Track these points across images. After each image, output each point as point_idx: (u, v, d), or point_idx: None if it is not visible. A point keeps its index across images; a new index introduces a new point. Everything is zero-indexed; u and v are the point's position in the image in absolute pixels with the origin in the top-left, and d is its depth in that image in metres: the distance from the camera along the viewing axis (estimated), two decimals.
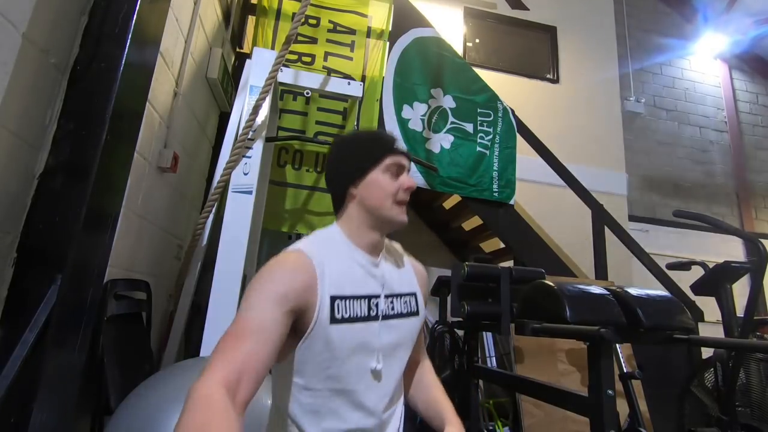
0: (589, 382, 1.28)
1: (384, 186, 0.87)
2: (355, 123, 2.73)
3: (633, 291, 1.28)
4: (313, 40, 2.75)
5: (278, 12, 2.77)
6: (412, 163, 2.79)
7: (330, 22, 2.83)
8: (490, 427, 2.68)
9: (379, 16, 2.94)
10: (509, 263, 3.23)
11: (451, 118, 2.87)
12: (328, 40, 2.80)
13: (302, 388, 0.79)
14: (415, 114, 2.81)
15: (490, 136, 2.91)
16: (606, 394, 1.23)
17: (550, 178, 3.10)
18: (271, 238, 2.66)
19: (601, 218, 2.93)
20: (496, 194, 2.81)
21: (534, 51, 4.45)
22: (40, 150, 1.05)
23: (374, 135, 1.00)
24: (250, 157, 1.78)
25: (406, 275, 0.97)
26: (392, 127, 2.74)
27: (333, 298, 0.79)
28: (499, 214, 2.83)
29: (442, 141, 2.82)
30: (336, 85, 2.24)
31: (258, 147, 1.81)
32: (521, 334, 1.30)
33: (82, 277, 1.05)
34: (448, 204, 3.29)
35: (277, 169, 2.57)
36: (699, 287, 2.20)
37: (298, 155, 2.64)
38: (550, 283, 1.26)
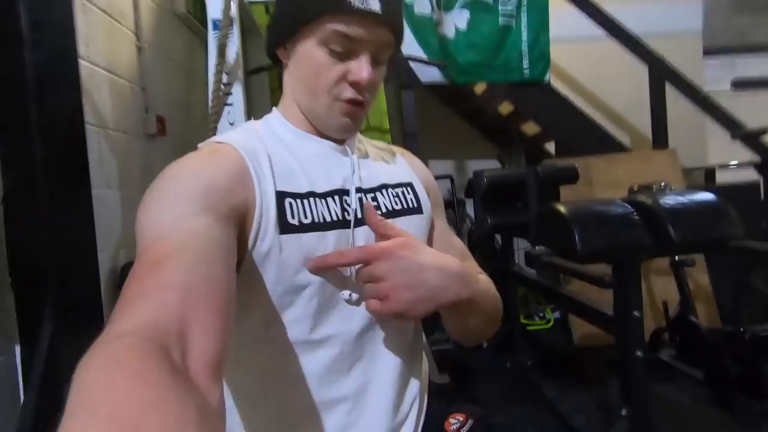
0: (614, 303, 1.18)
1: (315, 68, 0.56)
2: None
3: (666, 199, 1.08)
4: None
5: None
6: (423, 51, 2.43)
7: None
8: (540, 313, 2.74)
9: None
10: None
11: None
12: None
13: (254, 341, 0.54)
14: None
15: (515, 5, 2.41)
16: (632, 316, 1.13)
17: (599, 31, 2.59)
18: None
19: (657, 72, 2.46)
20: (526, 72, 2.43)
21: None
22: None
23: None
24: (231, 105, 1.65)
25: (393, 165, 0.69)
26: None
27: (281, 195, 0.53)
28: (533, 95, 2.48)
29: (456, 20, 2.41)
30: None
31: (237, 91, 1.67)
32: (532, 267, 1.20)
33: (75, 279, 1.11)
34: (479, 89, 2.94)
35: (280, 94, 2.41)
36: None
37: None
38: (561, 207, 1.09)
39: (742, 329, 1.35)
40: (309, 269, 0.53)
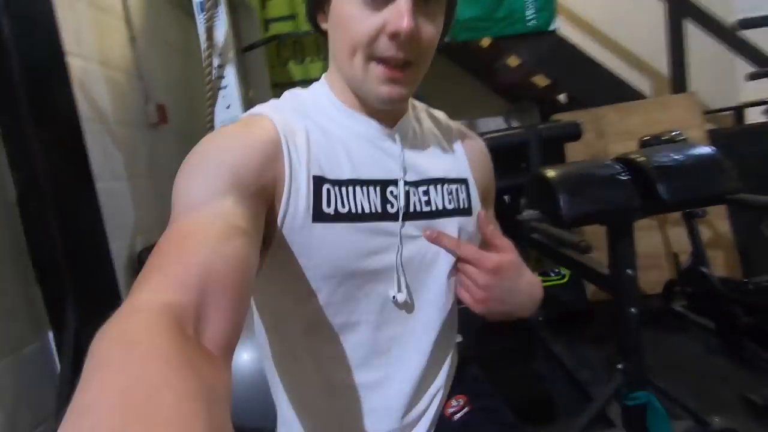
0: (609, 261, 1.18)
1: (346, 23, 0.50)
2: None
3: (657, 156, 1.05)
4: None
5: None
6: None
7: None
8: (555, 269, 2.73)
9: None
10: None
11: None
12: None
13: (278, 340, 0.57)
14: None
15: None
16: (625, 274, 1.13)
17: None
18: None
19: (675, 6, 2.28)
20: (531, 23, 2.31)
21: None
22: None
23: None
24: (225, 87, 1.67)
25: (451, 155, 0.64)
26: None
27: (319, 181, 0.51)
28: (540, 46, 2.37)
29: None
30: None
31: (230, 73, 1.68)
32: (521, 235, 1.20)
33: (90, 268, 1.20)
34: (485, 43, 2.82)
35: (280, 69, 2.40)
36: None
37: (298, 46, 2.40)
38: (548, 172, 1.08)
39: (746, 279, 1.33)
40: (425, 236, 0.56)
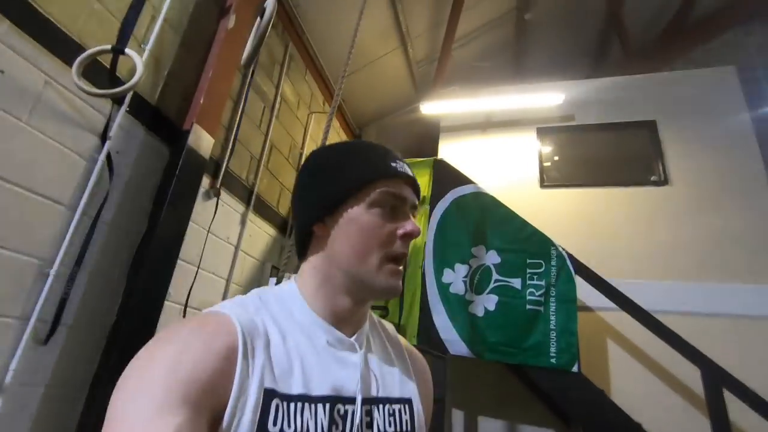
0: None
1: (368, 229, 0.59)
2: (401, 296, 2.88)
3: None
4: None
5: None
6: (452, 325, 2.63)
7: None
8: None
9: (422, 183, 3.18)
10: None
11: (495, 276, 2.77)
12: None
13: None
14: (457, 277, 2.82)
15: (543, 290, 2.65)
16: None
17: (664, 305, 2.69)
18: None
19: (713, 378, 2.23)
20: (553, 360, 2.47)
21: (631, 153, 3.93)
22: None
23: (361, 146, 0.66)
24: None
25: (398, 370, 0.66)
26: (433, 293, 2.79)
27: (269, 395, 0.50)
28: (565, 383, 2.45)
29: (485, 302, 2.71)
30: None
31: None
32: None
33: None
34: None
35: None
36: None
37: None
38: None
39: None
40: None
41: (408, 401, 0.63)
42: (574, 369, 2.43)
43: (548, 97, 3.90)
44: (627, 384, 3.01)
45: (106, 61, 1.81)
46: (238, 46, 2.24)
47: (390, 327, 0.73)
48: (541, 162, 4.06)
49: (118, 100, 1.85)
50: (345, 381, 0.56)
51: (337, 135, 4.62)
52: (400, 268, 0.61)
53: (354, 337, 0.61)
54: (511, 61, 5.50)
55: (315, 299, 0.61)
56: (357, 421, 0.54)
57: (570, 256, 2.71)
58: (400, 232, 0.60)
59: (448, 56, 4.49)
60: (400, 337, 0.73)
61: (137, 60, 1.77)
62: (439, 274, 2.84)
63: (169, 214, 1.94)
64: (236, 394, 0.48)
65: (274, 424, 0.49)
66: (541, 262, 2.73)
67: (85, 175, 1.72)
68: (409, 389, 0.64)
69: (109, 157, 1.80)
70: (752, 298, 3.03)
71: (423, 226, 2.98)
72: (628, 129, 3.92)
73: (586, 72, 5.16)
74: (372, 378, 0.60)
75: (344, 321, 0.61)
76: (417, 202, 0.64)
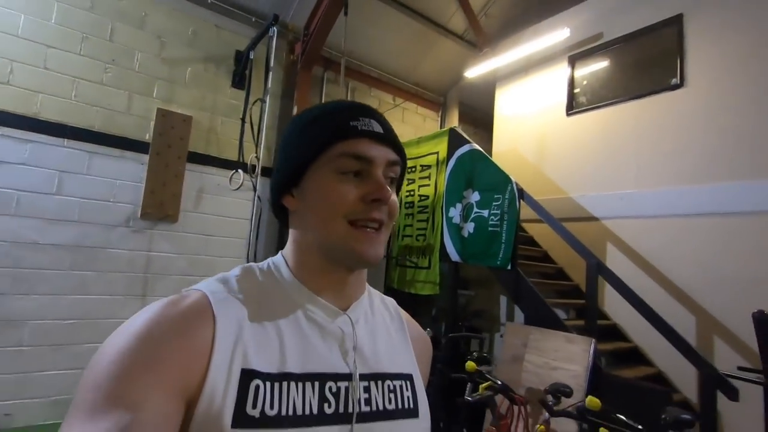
0: None
1: (330, 196, 0.55)
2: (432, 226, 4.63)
3: None
4: (411, 181, 4.93)
5: None
6: (452, 243, 4.54)
7: (421, 167, 4.89)
8: None
9: (442, 149, 4.65)
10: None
11: (474, 209, 4.11)
12: (420, 177, 4.88)
13: None
14: (456, 212, 4.31)
15: (499, 216, 3.85)
16: None
17: (666, 210, 3.60)
18: None
19: (592, 269, 3.14)
20: (498, 262, 3.77)
21: (654, 58, 3.84)
22: None
23: (326, 108, 0.61)
24: None
25: (399, 346, 0.63)
26: (445, 224, 4.39)
27: (247, 375, 0.48)
28: (506, 275, 3.76)
29: (469, 228, 4.14)
30: None
31: None
32: None
33: None
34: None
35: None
36: None
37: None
38: None
39: None
40: None
41: (408, 377, 0.61)
42: (509, 267, 3.70)
43: (574, 21, 4.24)
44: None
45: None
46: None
47: (390, 301, 0.70)
48: (571, 88, 4.48)
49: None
50: (336, 357, 0.55)
51: (422, 119, 6.11)
52: (371, 232, 0.56)
53: (348, 310, 0.59)
54: None
55: (300, 271, 0.59)
56: (357, 396, 0.52)
57: (519, 189, 3.76)
58: (370, 194, 0.55)
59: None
60: (401, 311, 0.70)
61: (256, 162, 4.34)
62: (447, 211, 4.40)
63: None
64: (212, 375, 0.46)
65: (254, 406, 0.47)
66: (501, 196, 3.89)
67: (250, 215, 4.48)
68: (410, 364, 0.63)
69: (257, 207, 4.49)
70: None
71: (441, 181, 4.53)
72: (653, 32, 3.87)
73: None
74: (368, 353, 0.58)
75: (334, 292, 0.59)
76: (394, 159, 0.59)
